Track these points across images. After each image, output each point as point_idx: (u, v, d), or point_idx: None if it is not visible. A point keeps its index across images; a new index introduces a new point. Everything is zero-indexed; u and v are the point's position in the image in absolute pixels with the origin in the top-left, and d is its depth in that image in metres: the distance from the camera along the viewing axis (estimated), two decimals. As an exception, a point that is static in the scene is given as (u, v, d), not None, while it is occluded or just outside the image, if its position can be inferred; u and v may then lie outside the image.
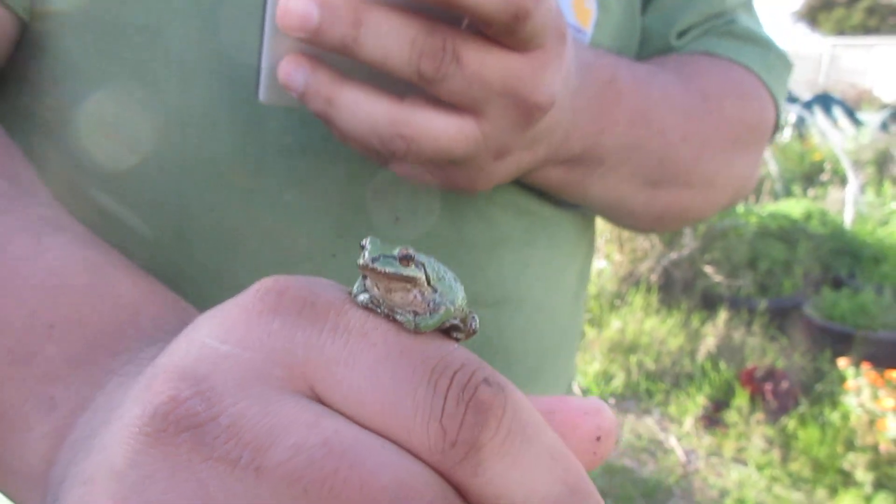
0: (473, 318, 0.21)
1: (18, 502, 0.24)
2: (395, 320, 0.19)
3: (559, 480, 0.18)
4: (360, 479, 0.16)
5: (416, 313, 0.19)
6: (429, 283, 0.19)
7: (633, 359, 3.07)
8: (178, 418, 0.17)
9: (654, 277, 3.36)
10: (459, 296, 0.20)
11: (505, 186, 0.44)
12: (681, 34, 0.55)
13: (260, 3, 0.36)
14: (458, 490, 0.17)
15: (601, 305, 3.43)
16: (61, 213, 0.30)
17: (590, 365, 3.11)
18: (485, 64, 0.30)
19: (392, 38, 0.29)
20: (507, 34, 0.29)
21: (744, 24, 0.57)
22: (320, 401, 0.18)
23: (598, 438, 0.20)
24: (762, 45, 0.57)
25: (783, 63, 0.59)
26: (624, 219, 0.54)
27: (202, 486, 0.16)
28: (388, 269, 0.19)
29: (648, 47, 0.55)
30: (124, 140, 0.40)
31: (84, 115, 0.40)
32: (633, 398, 2.96)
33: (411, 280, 0.19)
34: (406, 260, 0.19)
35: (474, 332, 0.20)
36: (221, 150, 0.39)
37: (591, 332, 3.28)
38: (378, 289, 0.19)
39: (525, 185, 0.45)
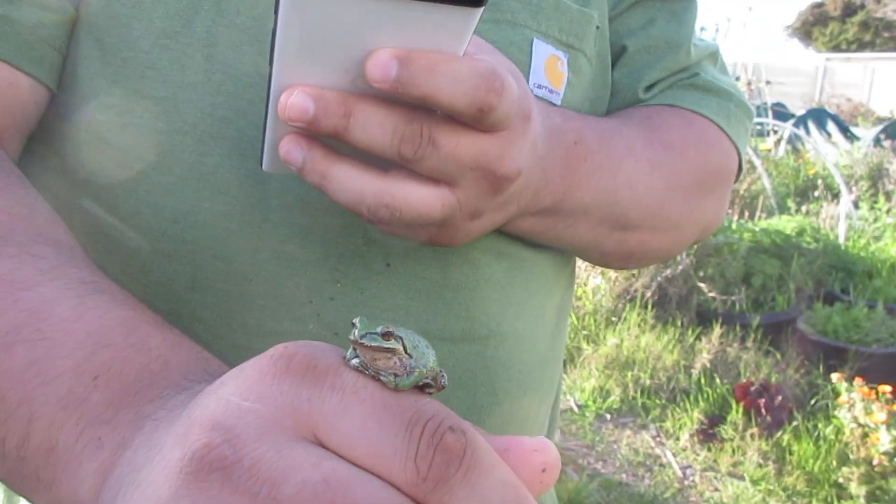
0: (443, 375, 0.25)
1: None
2: (380, 380, 0.24)
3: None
4: None
5: (396, 375, 0.24)
6: (406, 351, 0.24)
7: (630, 375, 3.10)
8: (212, 461, 0.22)
9: (648, 294, 3.40)
10: (431, 359, 0.25)
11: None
12: (648, 87, 0.60)
13: (264, 80, 0.41)
14: None
15: (597, 322, 3.47)
16: (97, 274, 0.35)
17: (586, 381, 3.14)
18: (458, 145, 0.35)
19: (376, 127, 0.34)
20: (475, 122, 0.35)
21: (707, 77, 0.62)
22: (322, 445, 0.23)
23: (544, 470, 0.24)
24: (723, 96, 0.62)
25: (743, 111, 0.63)
26: (596, 258, 0.59)
27: None
28: (373, 344, 0.24)
29: (618, 100, 0.60)
30: (143, 198, 0.44)
31: (106, 176, 0.45)
32: (629, 414, 3.00)
33: (391, 350, 0.24)
34: (387, 336, 0.24)
35: (443, 387, 0.25)
36: (230, 207, 0.44)
37: (587, 349, 3.32)
38: (366, 356, 0.24)
39: (502, 230, 0.49)
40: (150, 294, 0.43)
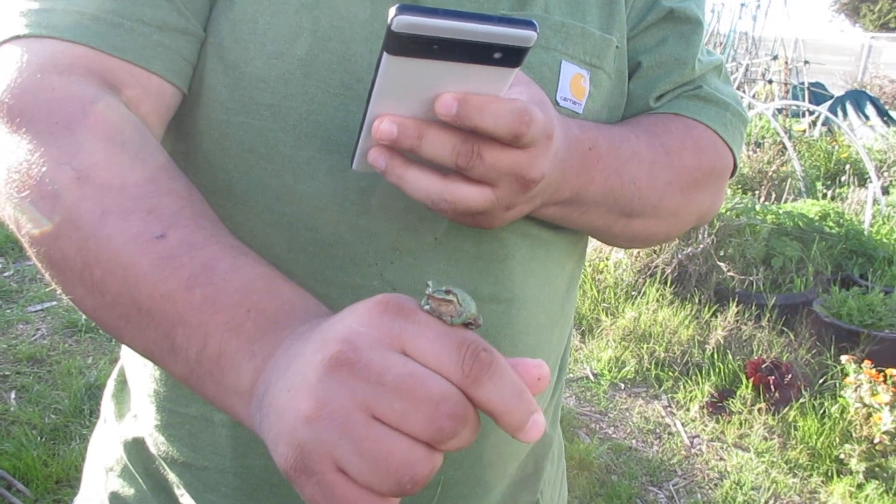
0: (480, 318, 0.39)
1: (230, 408, 0.43)
2: (442, 319, 0.37)
3: (515, 395, 0.36)
4: (426, 388, 0.35)
5: (451, 316, 0.37)
6: (458, 302, 0.37)
7: (645, 347, 3.23)
8: (343, 360, 0.35)
9: (669, 270, 3.50)
10: (473, 308, 0.38)
11: None
12: (658, 97, 0.72)
13: (349, 92, 0.54)
14: (469, 398, 0.36)
15: (616, 295, 3.59)
16: (239, 241, 0.49)
17: (603, 351, 3.28)
18: (498, 158, 0.48)
19: (440, 145, 0.47)
20: (511, 143, 0.47)
21: (709, 89, 0.73)
22: (407, 355, 0.36)
23: (539, 378, 0.38)
24: (722, 105, 0.73)
25: (739, 119, 0.75)
26: (606, 239, 0.72)
27: (353, 389, 0.35)
28: (439, 296, 0.37)
29: (633, 107, 0.71)
30: (254, 180, 0.58)
31: (224, 162, 0.59)
32: (643, 384, 3.13)
33: (449, 301, 0.37)
34: (448, 292, 0.37)
35: (480, 325, 0.39)
36: (319, 189, 0.58)
37: (606, 321, 3.44)
38: (434, 304, 0.37)
39: (528, 215, 0.62)
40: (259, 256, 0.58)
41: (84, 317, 3.17)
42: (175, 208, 0.47)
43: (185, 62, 0.57)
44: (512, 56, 0.41)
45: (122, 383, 0.77)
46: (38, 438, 2.43)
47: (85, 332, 3.15)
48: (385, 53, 0.41)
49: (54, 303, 3.38)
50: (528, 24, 0.40)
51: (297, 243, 0.59)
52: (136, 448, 0.71)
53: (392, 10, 0.38)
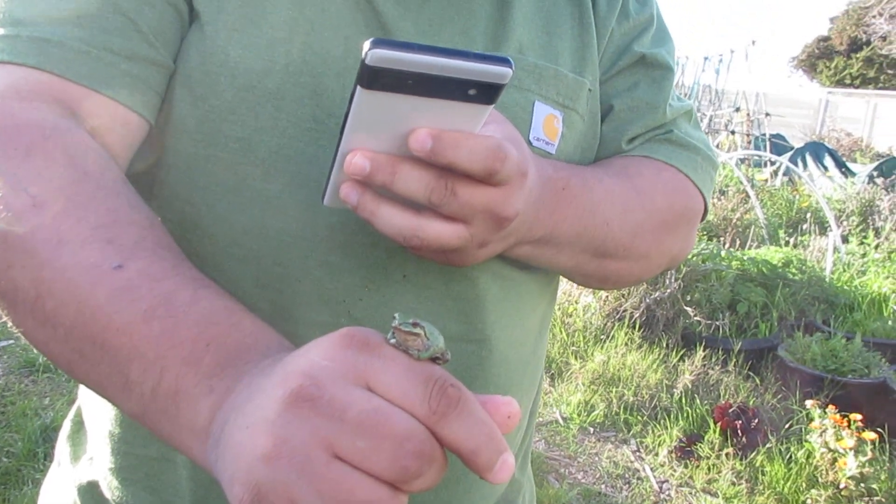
0: (447, 352, 0.38)
1: (185, 447, 0.41)
2: (408, 353, 0.36)
3: (484, 433, 0.35)
4: (391, 425, 0.33)
5: (419, 350, 0.36)
6: (425, 335, 0.37)
7: (614, 391, 3.22)
8: (304, 396, 0.34)
9: (637, 314, 3.53)
10: (441, 342, 0.38)
11: None
12: (630, 140, 0.72)
13: (320, 126, 0.54)
14: (436, 436, 0.34)
15: (585, 339, 3.59)
16: (201, 273, 0.48)
17: (573, 395, 3.26)
18: (472, 195, 0.48)
19: (414, 181, 0.47)
20: (485, 180, 0.47)
21: (680, 133, 0.74)
22: (371, 390, 0.35)
23: (509, 417, 0.37)
24: (692, 149, 0.75)
25: (709, 163, 0.76)
26: (579, 280, 0.72)
27: (314, 426, 0.33)
28: (406, 329, 0.36)
29: (605, 149, 0.72)
30: (221, 214, 0.57)
31: (191, 195, 0.58)
32: (612, 428, 3.12)
33: (417, 335, 0.36)
34: (415, 325, 0.37)
35: (447, 360, 0.38)
36: (288, 224, 0.57)
37: (575, 364, 3.44)
38: (400, 338, 0.36)
39: (500, 255, 0.62)
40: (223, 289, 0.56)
41: (42, 356, 3.08)
42: (135, 239, 0.46)
43: (152, 93, 0.56)
44: (487, 93, 0.41)
45: (79, 424, 0.74)
46: (-12, 483, 2.32)
47: (42, 372, 3.05)
48: (359, 87, 0.41)
49: (11, 341, 3.27)
50: (503, 60, 0.40)
51: (264, 279, 0.58)
52: (90, 493, 0.68)
53: (366, 44, 0.38)
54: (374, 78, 0.40)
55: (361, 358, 0.36)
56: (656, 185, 0.70)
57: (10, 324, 0.48)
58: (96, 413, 0.67)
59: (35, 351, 3.11)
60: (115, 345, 0.42)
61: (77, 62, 0.52)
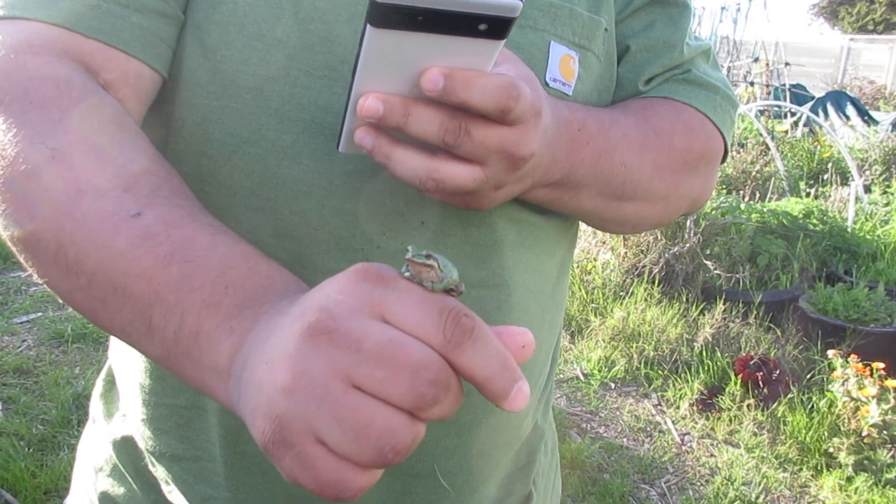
0: (461, 284, 0.39)
1: (209, 387, 0.42)
2: (422, 285, 0.37)
3: (499, 362, 0.36)
4: (407, 354, 0.34)
5: (433, 282, 0.37)
6: (439, 267, 0.37)
7: (634, 346, 3.23)
8: (321, 329, 0.35)
9: (656, 270, 3.52)
10: (455, 274, 0.38)
11: None
12: (647, 81, 0.71)
13: (332, 73, 0.54)
14: (451, 364, 0.35)
15: (605, 296, 3.59)
16: (217, 220, 0.48)
17: (593, 351, 3.28)
18: (486, 135, 0.48)
19: (427, 122, 0.46)
20: (499, 119, 0.47)
21: (698, 73, 0.73)
22: (387, 322, 0.36)
23: (523, 346, 0.38)
24: (711, 89, 0.73)
25: (728, 102, 0.75)
26: (596, 223, 0.72)
27: (332, 358, 0.34)
28: (420, 261, 0.37)
29: (622, 91, 0.71)
30: (237, 164, 0.57)
31: (206, 147, 0.58)
32: (633, 383, 3.13)
33: (430, 266, 0.37)
34: (429, 257, 0.37)
35: (461, 292, 0.38)
36: (303, 173, 0.57)
37: (595, 321, 3.45)
38: (414, 270, 0.37)
39: (517, 199, 0.62)
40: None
41: (71, 327, 3.14)
42: (152, 187, 0.47)
43: (164, 45, 0.56)
44: (497, 27, 0.41)
45: (111, 383, 0.76)
46: (26, 449, 2.39)
47: (72, 343, 3.11)
48: (368, 26, 0.41)
49: (40, 314, 3.34)
50: None
51: (282, 228, 0.58)
52: (125, 446, 0.70)
53: None
54: (383, 15, 0.40)
55: (376, 291, 0.36)
56: (675, 125, 0.70)
57: (34, 275, 0.49)
58: (126, 367, 0.69)
59: (64, 323, 3.18)
60: (136, 291, 0.43)
61: (87, 16, 0.52)
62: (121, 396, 0.72)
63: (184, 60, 0.57)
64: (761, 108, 6.84)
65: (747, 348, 3.10)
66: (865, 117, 7.78)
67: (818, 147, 5.97)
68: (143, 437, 0.67)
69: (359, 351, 0.34)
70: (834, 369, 2.73)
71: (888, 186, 5.09)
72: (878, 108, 9.81)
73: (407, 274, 0.37)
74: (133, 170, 0.47)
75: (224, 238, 0.46)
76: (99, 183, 0.45)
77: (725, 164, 4.71)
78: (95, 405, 0.77)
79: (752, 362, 2.92)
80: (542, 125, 0.51)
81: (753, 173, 4.70)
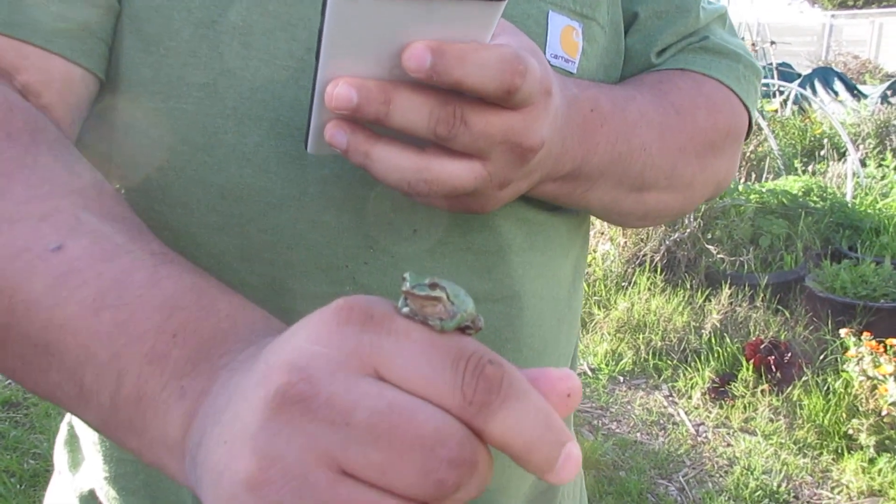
0: (479, 318, 0.29)
1: (161, 465, 0.33)
2: (427, 325, 0.27)
3: (540, 423, 0.26)
4: (414, 426, 0.25)
5: (441, 319, 0.27)
6: (448, 299, 0.28)
7: (641, 337, 3.15)
8: (293, 396, 0.25)
9: (657, 258, 3.44)
10: (470, 305, 0.28)
11: None
12: (660, 52, 0.62)
13: (298, 63, 0.45)
14: (476, 433, 0.26)
15: (607, 287, 3.51)
16: (164, 247, 0.39)
17: (599, 345, 3.20)
18: (487, 123, 0.38)
19: (414, 111, 0.37)
20: (502, 101, 0.38)
21: (716, 40, 0.64)
22: (382, 379, 0.26)
23: (569, 395, 0.28)
24: (732, 57, 0.64)
25: (752, 71, 0.66)
26: (614, 218, 0.63)
27: (311, 437, 0.25)
28: (422, 293, 0.27)
29: (632, 65, 0.62)
30: (192, 176, 0.48)
31: (155, 158, 0.49)
32: (642, 375, 3.05)
33: (437, 298, 0.27)
34: (433, 286, 0.27)
35: (480, 328, 0.29)
36: (271, 183, 0.48)
37: (598, 314, 3.36)
38: (415, 305, 0.27)
39: (524, 196, 0.53)
40: (203, 266, 0.47)
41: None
42: (76, 211, 0.37)
43: (96, 40, 0.47)
44: None
45: (74, 427, 0.67)
46: (18, 486, 2.30)
47: (60, 371, 3.02)
48: None
49: (26, 343, 3.24)
50: None
51: (250, 250, 0.49)
52: (92, 502, 0.62)
53: None
54: None
55: (365, 337, 0.27)
56: (697, 100, 0.61)
57: None
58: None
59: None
60: (61, 346, 0.34)
61: None
62: (82, 448, 0.63)
63: (121, 56, 0.48)
64: (750, 88, 6.77)
65: (756, 332, 3.02)
66: (854, 91, 7.73)
67: (809, 124, 5.91)
68: (107, 497, 0.58)
69: (347, 424, 0.25)
70: (847, 348, 2.65)
71: (883, 159, 5.02)
72: (864, 83, 9.76)
73: (406, 310, 0.27)
74: (51, 190, 0.38)
75: (170, 270, 0.36)
76: (7, 210, 0.36)
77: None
78: (60, 454, 0.68)
79: (762, 346, 2.84)
80: (552, 106, 0.42)
81: (747, 154, 4.63)
